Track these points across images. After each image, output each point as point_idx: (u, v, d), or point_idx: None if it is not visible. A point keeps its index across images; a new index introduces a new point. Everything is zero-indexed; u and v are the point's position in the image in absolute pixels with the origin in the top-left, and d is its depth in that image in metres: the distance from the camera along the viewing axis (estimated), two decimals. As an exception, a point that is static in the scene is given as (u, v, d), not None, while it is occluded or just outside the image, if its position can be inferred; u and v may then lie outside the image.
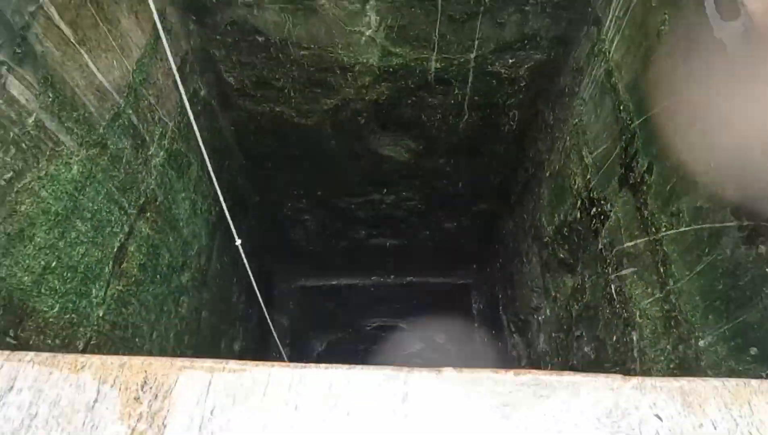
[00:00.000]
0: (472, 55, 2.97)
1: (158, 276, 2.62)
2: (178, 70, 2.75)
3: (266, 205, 4.42)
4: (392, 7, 2.70)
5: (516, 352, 4.20)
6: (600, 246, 2.34)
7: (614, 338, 2.16)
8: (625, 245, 2.10)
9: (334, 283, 5.81)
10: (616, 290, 2.16)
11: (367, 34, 2.85)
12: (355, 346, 5.99)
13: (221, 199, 2.79)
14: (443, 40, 2.88)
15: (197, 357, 0.99)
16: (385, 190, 4.29)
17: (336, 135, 3.67)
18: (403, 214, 4.59)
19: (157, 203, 2.57)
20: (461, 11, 2.71)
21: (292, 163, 3.98)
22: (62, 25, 1.82)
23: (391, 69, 3.08)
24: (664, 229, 1.81)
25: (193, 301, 3.09)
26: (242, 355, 4.28)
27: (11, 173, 1.62)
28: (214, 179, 2.84)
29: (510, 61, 3.00)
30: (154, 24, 2.47)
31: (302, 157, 3.92)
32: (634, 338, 1.98)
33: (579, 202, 2.59)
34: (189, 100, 2.89)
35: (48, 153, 1.78)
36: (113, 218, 2.18)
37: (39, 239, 1.76)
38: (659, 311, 1.83)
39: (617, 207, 2.19)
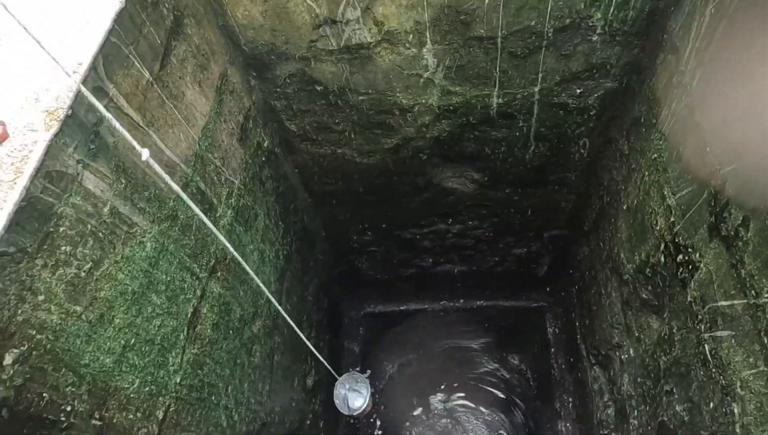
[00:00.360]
0: (537, 88, 2.83)
1: (231, 331, 2.69)
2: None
3: (332, 238, 4.46)
4: (450, 48, 2.62)
5: (598, 386, 3.97)
6: (689, 298, 2.14)
7: (711, 405, 1.96)
8: (719, 304, 1.90)
9: (402, 308, 5.77)
10: (710, 352, 1.96)
11: (426, 75, 2.79)
12: (426, 366, 5.92)
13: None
14: (505, 76, 2.77)
15: None
16: (450, 220, 4.20)
17: (398, 171, 3.63)
18: (471, 242, 4.48)
19: (227, 261, 2.64)
20: (522, 47, 2.59)
21: (356, 199, 3.98)
22: (131, 112, 1.90)
23: (451, 107, 3.00)
24: (766, 295, 1.61)
25: (265, 348, 3.15)
26: (315, 389, 4.33)
27: (90, 264, 1.70)
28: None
29: (578, 91, 2.83)
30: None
31: (366, 193, 3.91)
32: (736, 411, 1.78)
33: (662, 246, 2.39)
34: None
35: (123, 236, 1.85)
36: (186, 285, 2.25)
37: (118, 320, 1.83)
38: (765, 387, 1.64)
39: (708, 259, 1.99)
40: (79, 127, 1.65)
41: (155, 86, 2.04)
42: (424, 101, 2.97)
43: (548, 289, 5.21)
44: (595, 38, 2.53)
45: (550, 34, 2.51)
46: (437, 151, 3.41)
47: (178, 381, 2.19)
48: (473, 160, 3.49)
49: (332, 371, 3.44)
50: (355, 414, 3.56)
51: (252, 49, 2.70)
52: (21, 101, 1.60)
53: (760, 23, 1.67)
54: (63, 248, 1.59)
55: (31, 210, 1.46)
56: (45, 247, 1.52)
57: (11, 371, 1.41)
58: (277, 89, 2.96)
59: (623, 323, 3.12)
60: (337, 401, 3.60)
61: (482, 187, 3.75)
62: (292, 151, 3.50)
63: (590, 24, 2.45)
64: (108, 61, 1.77)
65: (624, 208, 2.94)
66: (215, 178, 2.54)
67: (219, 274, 2.56)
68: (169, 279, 2.13)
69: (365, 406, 3.55)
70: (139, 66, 1.94)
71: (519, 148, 3.31)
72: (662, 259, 2.40)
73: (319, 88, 2.93)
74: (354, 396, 3.59)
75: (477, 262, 4.80)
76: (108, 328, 1.79)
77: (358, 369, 3.84)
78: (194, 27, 2.33)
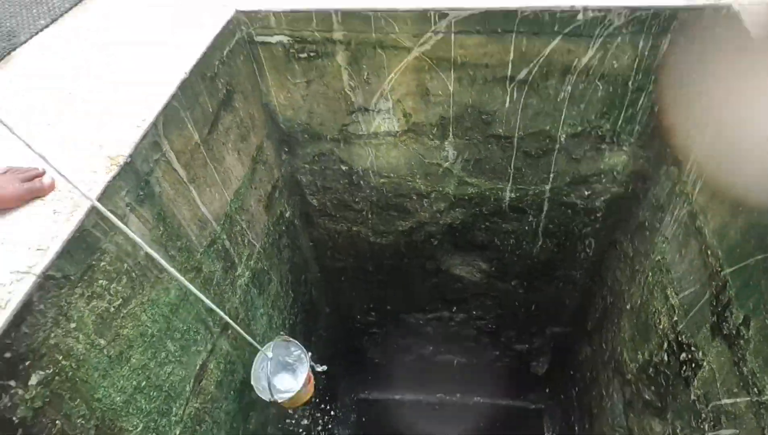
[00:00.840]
0: (547, 187, 3.03)
1: (232, 392, 2.68)
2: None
3: (337, 316, 4.49)
4: (470, 143, 2.85)
5: (597, 498, 3.80)
6: (693, 397, 2.16)
7: (716, 510, 1.92)
8: (723, 402, 1.93)
9: (397, 398, 5.63)
10: (714, 453, 1.96)
11: (445, 165, 3.01)
12: (417, 465, 5.66)
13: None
14: (518, 173, 2.98)
15: None
16: (454, 308, 4.26)
17: (409, 254, 3.75)
18: (473, 333, 4.49)
19: (238, 320, 2.70)
20: (537, 148, 2.82)
21: (366, 278, 4.07)
22: (178, 167, 2.07)
23: (466, 197, 3.19)
24: None
25: (260, 417, 3.10)
26: (302, 473, 4.15)
27: (120, 300, 1.78)
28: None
29: (586, 193, 3.03)
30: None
31: (375, 273, 4.01)
32: None
33: (666, 344, 2.45)
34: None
35: (152, 280, 1.95)
36: (199, 337, 2.31)
37: (134, 360, 1.88)
38: (769, 488, 1.63)
39: (711, 357, 2.04)
40: (134, 174, 1.81)
41: (201, 148, 2.24)
42: (441, 189, 3.16)
43: (547, 389, 5.11)
44: (603, 146, 2.76)
45: (562, 139, 2.75)
46: (449, 238, 3.55)
47: (177, 433, 2.17)
48: (483, 250, 3.63)
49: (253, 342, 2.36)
50: (280, 399, 2.42)
51: (288, 127, 2.94)
52: (88, 149, 1.78)
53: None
54: (100, 281, 1.69)
55: (81, 241, 1.58)
56: (86, 277, 1.62)
57: (34, 392, 1.45)
58: (306, 165, 3.17)
59: (625, 426, 3.08)
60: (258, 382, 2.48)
61: (489, 277, 3.85)
62: (309, 225, 3.66)
63: (600, 133, 2.69)
64: (167, 120, 1.97)
65: (628, 308, 3.02)
66: (239, 238, 2.67)
67: (230, 331, 2.60)
68: (185, 328, 2.19)
69: (294, 392, 2.44)
70: (191, 128, 2.15)
71: (527, 242, 3.46)
72: (665, 357, 2.44)
73: (344, 168, 3.14)
74: (283, 372, 2.55)
75: (477, 355, 4.78)
76: (124, 366, 1.83)
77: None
78: (241, 102, 2.58)
